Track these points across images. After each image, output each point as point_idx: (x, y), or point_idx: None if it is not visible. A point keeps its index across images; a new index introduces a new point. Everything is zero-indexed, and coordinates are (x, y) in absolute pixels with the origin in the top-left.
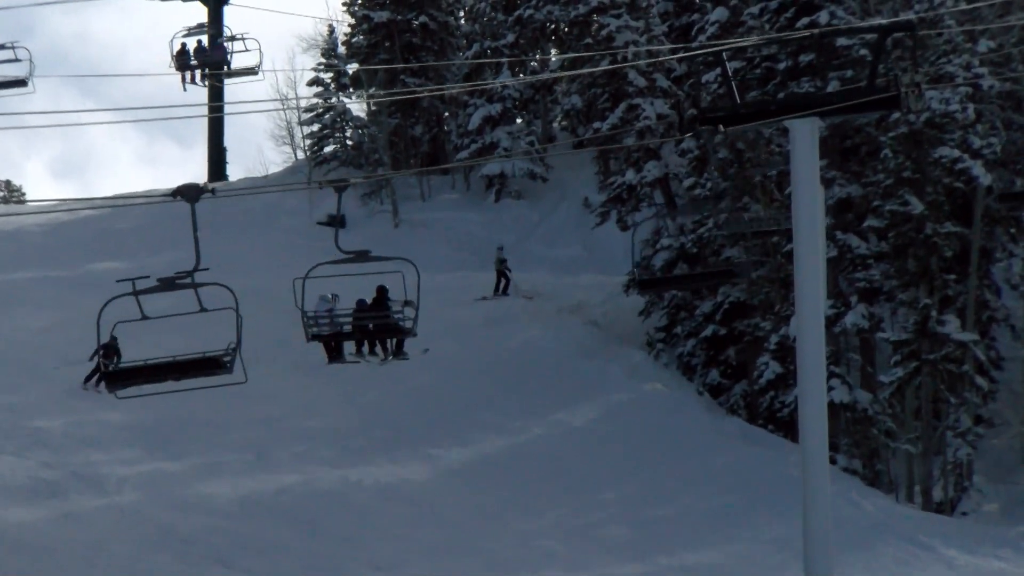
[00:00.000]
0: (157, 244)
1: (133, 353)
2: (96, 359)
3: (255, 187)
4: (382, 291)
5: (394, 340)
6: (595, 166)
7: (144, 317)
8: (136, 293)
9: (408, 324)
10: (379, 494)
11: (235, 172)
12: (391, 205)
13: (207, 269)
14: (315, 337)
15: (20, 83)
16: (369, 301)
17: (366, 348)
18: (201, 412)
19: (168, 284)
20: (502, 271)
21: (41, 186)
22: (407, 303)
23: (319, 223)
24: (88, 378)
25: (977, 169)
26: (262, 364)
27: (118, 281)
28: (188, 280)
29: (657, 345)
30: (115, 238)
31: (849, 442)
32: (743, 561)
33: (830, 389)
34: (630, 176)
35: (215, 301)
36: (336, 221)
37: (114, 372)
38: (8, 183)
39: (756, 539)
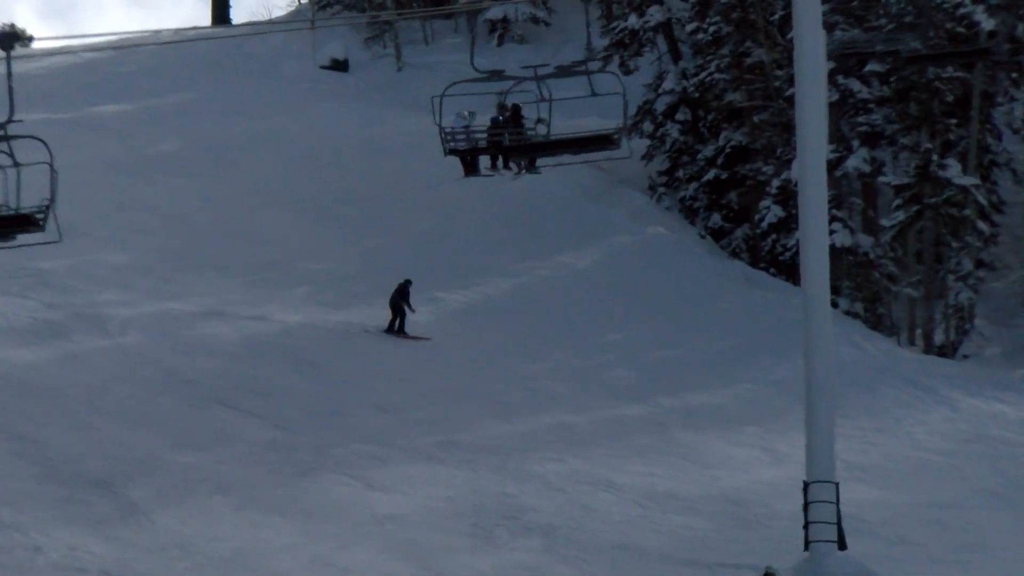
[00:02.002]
0: (160, 87)
1: None
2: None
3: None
4: (516, 108)
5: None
6: (598, 10)
7: None
8: None
9: (540, 140)
10: (382, 336)
11: (238, 16)
12: (394, 49)
13: (21, 121)
14: (452, 152)
15: None
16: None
17: (500, 162)
18: (204, 254)
19: None
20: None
21: (29, 28)
22: (539, 120)
23: (322, 67)
24: (390, 327)
25: (979, 14)
26: (268, 208)
27: None
28: (1, 132)
29: (659, 189)
30: (118, 81)
31: (851, 286)
32: (745, 404)
33: (832, 233)
34: (632, 21)
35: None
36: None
37: None
38: (12, 26)
39: (758, 382)
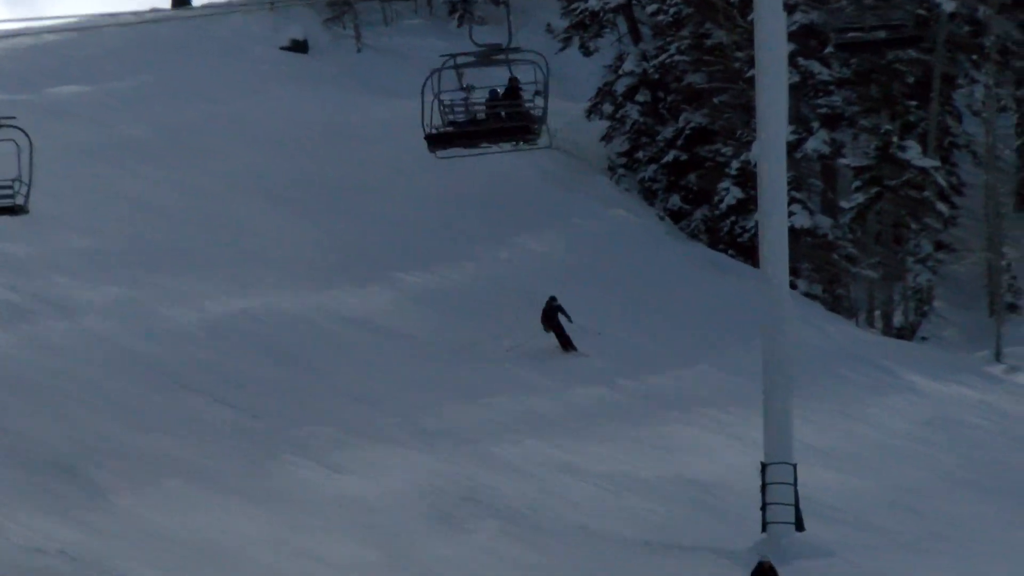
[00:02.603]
0: (122, 70)
1: None
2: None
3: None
4: (514, 81)
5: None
6: None
7: None
8: None
9: (538, 112)
10: (346, 321)
11: None
12: (353, 30)
13: None
14: (451, 124)
15: None
16: (501, 92)
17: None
18: (167, 238)
19: None
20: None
21: None
22: (537, 93)
23: (282, 48)
24: (564, 347)
25: None
26: (235, 193)
27: None
28: None
29: (619, 170)
30: (79, 64)
31: (810, 267)
32: (704, 385)
33: (791, 214)
34: (593, 2)
35: None
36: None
37: None
38: None
39: (719, 365)
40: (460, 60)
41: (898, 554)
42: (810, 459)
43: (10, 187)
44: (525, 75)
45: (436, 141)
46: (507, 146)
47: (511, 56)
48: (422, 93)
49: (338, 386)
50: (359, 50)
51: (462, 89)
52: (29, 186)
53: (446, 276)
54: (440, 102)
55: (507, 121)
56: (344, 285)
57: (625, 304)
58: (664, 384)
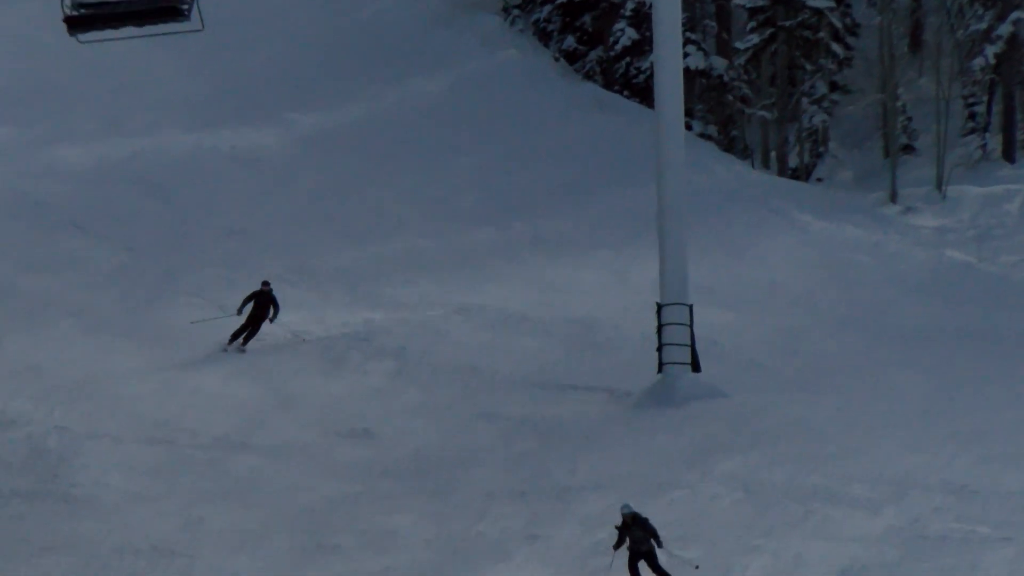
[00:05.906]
0: None
1: None
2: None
3: None
4: None
5: None
6: None
7: None
8: None
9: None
10: (233, 160)
11: None
12: None
13: None
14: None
15: None
16: None
17: None
18: (52, 78)
19: None
20: None
21: None
22: None
23: None
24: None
25: None
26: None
27: None
28: None
29: (513, 11)
30: None
31: (704, 108)
32: (595, 227)
33: (686, 55)
34: None
35: None
36: None
37: None
38: None
39: (609, 205)
40: None
41: (783, 393)
42: (701, 299)
43: None
44: None
45: (76, 24)
46: (155, 28)
47: None
48: None
49: (225, 225)
50: None
51: None
52: None
53: (332, 117)
54: None
55: (153, 1)
56: (229, 123)
57: (514, 146)
58: (554, 226)
